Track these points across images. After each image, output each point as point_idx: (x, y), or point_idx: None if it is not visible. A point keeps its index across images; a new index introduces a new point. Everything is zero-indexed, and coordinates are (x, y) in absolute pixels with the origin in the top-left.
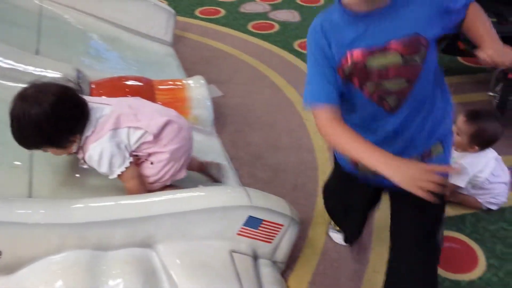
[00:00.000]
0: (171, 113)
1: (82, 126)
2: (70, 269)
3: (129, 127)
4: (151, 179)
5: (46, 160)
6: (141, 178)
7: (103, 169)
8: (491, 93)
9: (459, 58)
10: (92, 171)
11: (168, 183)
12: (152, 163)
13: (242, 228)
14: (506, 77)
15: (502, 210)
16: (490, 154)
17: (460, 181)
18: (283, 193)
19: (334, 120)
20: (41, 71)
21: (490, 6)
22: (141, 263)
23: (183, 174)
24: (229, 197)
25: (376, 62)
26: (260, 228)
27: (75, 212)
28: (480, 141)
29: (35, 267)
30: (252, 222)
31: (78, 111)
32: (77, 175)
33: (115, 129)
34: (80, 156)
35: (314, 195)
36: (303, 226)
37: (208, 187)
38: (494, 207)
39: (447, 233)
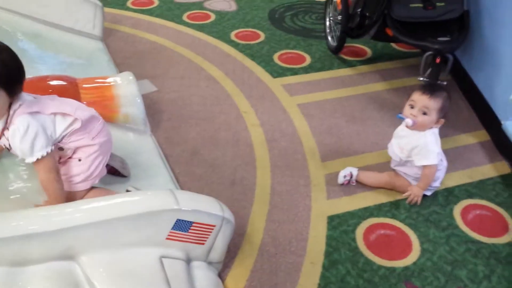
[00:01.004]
0: (93, 110)
1: (17, 89)
2: None
3: (55, 114)
4: (81, 177)
5: None
6: (59, 175)
7: (25, 145)
8: (420, 78)
9: (392, 44)
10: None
11: (96, 181)
12: (80, 160)
13: (171, 232)
14: (434, 62)
15: (434, 194)
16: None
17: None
18: (220, 189)
19: None
20: None
21: None
22: (62, 277)
23: (105, 171)
24: (154, 202)
25: None
26: (191, 231)
27: None
28: (445, 112)
29: None
30: (181, 225)
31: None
32: None
33: (39, 113)
34: (4, 134)
35: (252, 190)
36: (241, 222)
37: (132, 191)
38: (428, 193)
39: (383, 220)
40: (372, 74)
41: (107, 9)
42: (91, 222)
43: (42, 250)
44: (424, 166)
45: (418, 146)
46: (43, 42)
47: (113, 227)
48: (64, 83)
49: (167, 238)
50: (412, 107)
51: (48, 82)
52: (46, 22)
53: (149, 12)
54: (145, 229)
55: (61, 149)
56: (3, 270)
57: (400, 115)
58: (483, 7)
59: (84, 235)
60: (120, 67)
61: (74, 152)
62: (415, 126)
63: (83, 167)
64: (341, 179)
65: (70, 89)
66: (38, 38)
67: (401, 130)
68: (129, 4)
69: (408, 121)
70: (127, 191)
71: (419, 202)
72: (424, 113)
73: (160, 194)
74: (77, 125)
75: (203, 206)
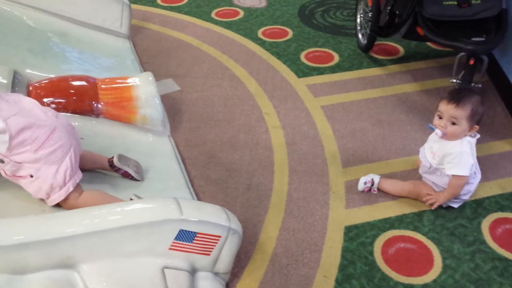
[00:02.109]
0: (37, 117)
1: None
2: None
3: None
4: (46, 190)
5: None
6: None
7: None
8: (453, 80)
9: (427, 42)
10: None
11: (71, 189)
12: (32, 176)
13: (174, 242)
14: (468, 63)
15: (462, 205)
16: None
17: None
18: (235, 194)
19: None
20: None
21: None
22: (61, 286)
23: (78, 174)
24: (157, 212)
25: None
26: (195, 241)
27: None
28: (478, 118)
29: None
30: (185, 236)
31: None
32: None
33: None
34: None
35: (268, 196)
36: (254, 229)
37: (137, 199)
38: (455, 205)
39: (403, 232)
40: (403, 74)
41: (137, 7)
42: (92, 231)
43: (41, 258)
44: (454, 176)
45: (452, 154)
46: (70, 41)
47: (114, 236)
48: (84, 83)
49: (170, 249)
50: (440, 117)
51: (70, 82)
52: (73, 20)
53: (178, 9)
54: (148, 239)
55: (1, 161)
56: (3, 277)
57: (431, 125)
58: None
59: (84, 244)
60: (145, 66)
61: (21, 169)
62: (446, 137)
63: (40, 183)
64: (361, 186)
65: (90, 90)
66: (65, 37)
67: (435, 135)
68: (159, 1)
69: (438, 132)
70: (130, 199)
71: (434, 206)
72: (453, 123)
73: (163, 203)
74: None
75: (208, 216)
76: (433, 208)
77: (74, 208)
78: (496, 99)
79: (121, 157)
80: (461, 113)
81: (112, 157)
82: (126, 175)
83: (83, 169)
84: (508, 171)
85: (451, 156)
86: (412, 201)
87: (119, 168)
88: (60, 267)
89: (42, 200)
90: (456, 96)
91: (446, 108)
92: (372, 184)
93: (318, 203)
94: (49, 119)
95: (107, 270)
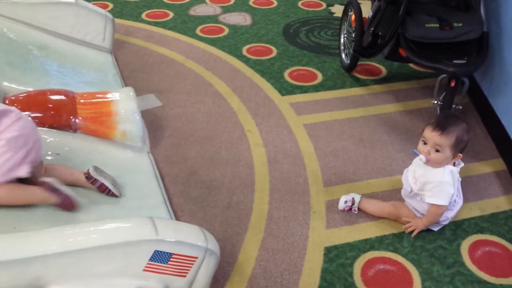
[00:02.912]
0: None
1: None
2: None
3: None
4: None
5: None
6: None
7: None
8: (434, 101)
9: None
10: None
11: (4, 179)
12: None
13: (149, 263)
14: (449, 85)
15: (442, 227)
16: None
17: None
18: (214, 213)
19: None
20: None
21: (434, 10)
22: None
23: (23, 171)
24: (131, 231)
25: None
26: (171, 262)
27: None
28: (462, 146)
29: None
30: (160, 257)
31: None
32: None
33: None
34: None
35: (248, 215)
36: (233, 249)
37: (110, 219)
38: (435, 229)
39: (383, 253)
40: (385, 94)
41: (121, 21)
42: (64, 251)
43: (9, 279)
44: (433, 204)
45: (433, 182)
46: (51, 54)
47: (86, 256)
48: (63, 97)
49: (144, 270)
50: (425, 143)
51: (48, 96)
52: (55, 34)
53: (163, 25)
54: (121, 260)
55: None
56: None
57: (415, 150)
58: (505, 28)
59: (55, 264)
60: (127, 81)
61: None
62: (429, 163)
63: None
64: (341, 205)
65: (68, 104)
66: (46, 50)
67: (418, 159)
68: (144, 16)
69: (422, 157)
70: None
71: (414, 234)
72: (437, 150)
73: (138, 222)
74: None
75: (185, 237)
76: (413, 236)
77: None
78: (476, 121)
79: (97, 169)
80: (445, 141)
81: (88, 170)
82: (103, 189)
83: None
84: (488, 193)
85: (432, 185)
86: (392, 222)
87: (95, 180)
88: (30, 287)
89: (15, 216)
90: (442, 123)
91: (430, 135)
92: (353, 204)
93: (298, 223)
94: (16, 109)
95: None
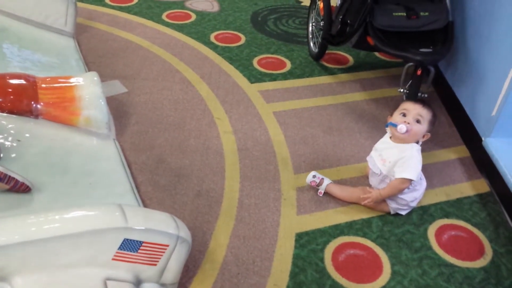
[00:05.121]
0: None
1: None
2: None
3: None
4: None
5: None
6: None
7: None
8: (400, 90)
9: (375, 52)
10: None
11: None
12: None
13: (118, 252)
14: (416, 73)
15: (409, 212)
16: None
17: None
18: (184, 201)
19: None
20: None
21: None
22: None
23: None
24: (99, 219)
25: None
26: (141, 251)
27: None
28: (432, 127)
29: None
30: (130, 245)
31: None
32: None
33: None
34: None
35: (218, 203)
36: (204, 237)
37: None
38: (403, 212)
39: (353, 238)
40: (352, 83)
41: (83, 5)
42: (27, 241)
43: None
44: (398, 178)
45: (403, 158)
46: (9, 37)
47: (51, 246)
48: (23, 81)
49: (113, 259)
50: (404, 115)
51: (6, 80)
52: (14, 16)
53: (127, 10)
54: (88, 249)
55: None
56: None
57: (391, 122)
58: (469, 19)
59: (18, 254)
60: (91, 66)
61: None
62: (406, 135)
63: None
64: (309, 178)
65: (29, 89)
66: (4, 32)
67: (384, 142)
68: (107, 0)
69: (402, 127)
70: None
71: (365, 202)
72: (418, 121)
73: (106, 210)
74: None
75: (155, 224)
76: (363, 203)
77: None
78: (440, 109)
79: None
80: (427, 113)
81: None
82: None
83: None
84: (453, 179)
85: (402, 160)
86: (361, 207)
87: (9, 177)
88: None
89: None
90: (419, 100)
91: (413, 106)
92: (320, 184)
93: (269, 210)
94: None
95: (44, 282)
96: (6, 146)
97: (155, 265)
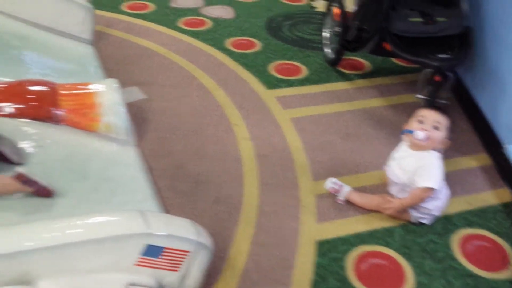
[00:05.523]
0: None
1: None
2: None
3: None
4: None
5: None
6: None
7: None
8: (418, 96)
9: (392, 58)
10: None
11: None
12: None
13: (141, 258)
14: (434, 79)
15: (431, 221)
16: None
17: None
18: (203, 207)
19: None
20: None
21: (417, 5)
22: None
23: None
24: (121, 225)
25: None
26: (162, 257)
27: None
28: (449, 134)
29: None
30: (152, 251)
31: None
32: None
33: None
34: None
35: (237, 209)
36: (224, 244)
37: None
38: (426, 222)
39: (375, 248)
40: (370, 89)
41: (101, 12)
42: (51, 246)
43: None
44: (418, 187)
45: (423, 166)
46: (30, 45)
47: (75, 251)
48: (43, 88)
49: (135, 264)
50: (421, 122)
51: (27, 87)
52: (34, 24)
53: (143, 17)
54: (111, 254)
55: None
56: None
57: (408, 129)
58: (488, 24)
59: (43, 259)
60: (109, 73)
61: None
62: (425, 143)
63: None
64: (328, 184)
65: (49, 95)
66: (25, 40)
67: (401, 151)
68: (124, 7)
69: (420, 133)
70: (19, 174)
71: (387, 212)
72: (436, 128)
73: (128, 216)
74: None
75: (177, 230)
76: (386, 213)
77: None
78: (460, 116)
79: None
80: (444, 120)
81: (19, 172)
82: (41, 191)
83: None
84: (475, 187)
85: (422, 168)
86: (382, 215)
87: (31, 181)
88: (17, 283)
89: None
90: (435, 107)
91: (429, 113)
92: (339, 192)
93: (289, 217)
94: None
95: (68, 287)
96: (29, 151)
97: (177, 271)
